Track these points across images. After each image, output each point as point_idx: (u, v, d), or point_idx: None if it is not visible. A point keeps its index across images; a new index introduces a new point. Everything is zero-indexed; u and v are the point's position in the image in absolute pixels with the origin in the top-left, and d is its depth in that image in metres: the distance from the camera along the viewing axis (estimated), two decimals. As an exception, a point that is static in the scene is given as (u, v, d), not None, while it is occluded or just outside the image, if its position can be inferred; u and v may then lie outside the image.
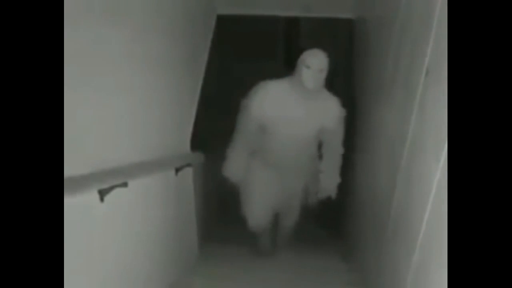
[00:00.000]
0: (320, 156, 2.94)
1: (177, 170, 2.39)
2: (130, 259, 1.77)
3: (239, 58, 4.26)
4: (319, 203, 3.06)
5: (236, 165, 2.90)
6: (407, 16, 1.98)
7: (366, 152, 2.70)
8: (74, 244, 1.24)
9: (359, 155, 2.94)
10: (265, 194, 3.00)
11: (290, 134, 2.76)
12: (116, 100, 1.65)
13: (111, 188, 1.50)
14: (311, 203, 3.13)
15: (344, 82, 4.03)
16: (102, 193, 1.46)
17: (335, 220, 3.52)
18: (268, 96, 2.72)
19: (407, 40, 1.94)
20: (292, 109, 2.70)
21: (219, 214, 3.52)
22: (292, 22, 4.62)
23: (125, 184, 1.60)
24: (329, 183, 2.95)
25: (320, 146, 2.92)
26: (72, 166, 1.16)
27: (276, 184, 2.98)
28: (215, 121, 2.90)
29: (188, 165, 2.60)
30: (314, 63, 2.61)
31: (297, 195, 3.11)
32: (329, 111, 2.76)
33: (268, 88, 2.75)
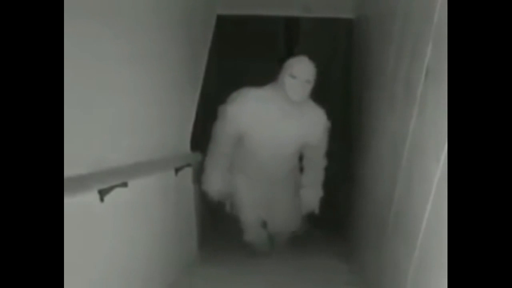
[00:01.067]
0: (301, 169, 2.82)
1: (177, 170, 2.39)
2: (129, 259, 1.77)
3: (239, 58, 4.26)
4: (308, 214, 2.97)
5: (214, 178, 2.72)
6: (407, 16, 1.98)
7: (366, 152, 2.70)
8: (74, 244, 1.24)
9: (359, 155, 2.94)
10: (254, 202, 2.86)
11: (269, 149, 2.60)
12: (116, 100, 1.65)
13: (111, 188, 1.50)
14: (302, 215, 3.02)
15: (344, 82, 4.03)
16: (102, 193, 1.46)
17: (335, 221, 3.51)
18: (248, 104, 2.53)
19: (407, 40, 1.93)
20: (272, 121, 2.52)
21: (218, 214, 3.51)
22: (292, 22, 4.62)
23: (125, 184, 1.60)
24: (310, 198, 2.83)
25: (301, 158, 2.80)
26: (72, 166, 1.16)
27: (262, 192, 2.84)
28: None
29: (188, 165, 2.60)
30: (301, 73, 2.42)
31: (284, 202, 2.91)
32: (313, 125, 2.60)
33: (248, 95, 2.56)
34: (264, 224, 2.98)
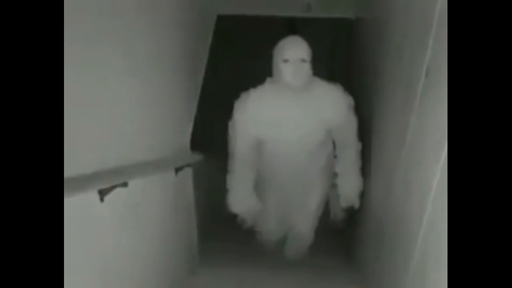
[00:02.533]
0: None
1: (177, 170, 2.39)
2: (129, 259, 1.77)
3: (239, 58, 4.26)
4: (341, 216, 2.67)
5: (241, 197, 2.48)
6: (407, 15, 1.98)
7: (367, 151, 2.70)
8: (74, 244, 1.24)
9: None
10: (276, 212, 2.63)
11: (294, 144, 2.35)
12: (116, 100, 1.65)
13: (111, 188, 1.50)
14: (334, 220, 2.73)
15: (344, 82, 4.03)
16: (102, 193, 1.45)
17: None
18: (254, 107, 2.33)
19: (407, 40, 1.93)
20: (286, 115, 2.28)
21: (218, 214, 3.52)
22: (292, 22, 4.62)
23: (125, 184, 1.60)
24: (349, 189, 2.48)
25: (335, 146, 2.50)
26: (72, 166, 1.16)
27: (287, 202, 2.59)
28: (215, 121, 2.88)
29: (188, 165, 2.60)
30: (292, 54, 2.18)
31: (312, 214, 2.64)
32: (332, 104, 2.31)
33: (250, 98, 2.37)
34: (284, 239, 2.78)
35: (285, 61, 2.20)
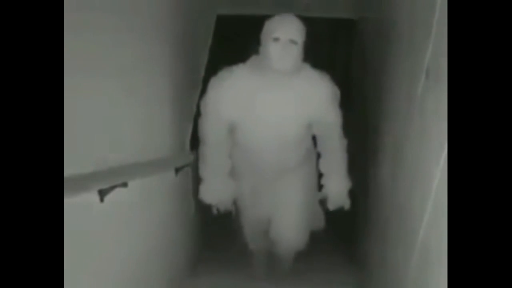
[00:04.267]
0: (319, 155, 2.30)
1: (177, 170, 2.39)
2: (129, 259, 1.77)
3: (239, 58, 4.26)
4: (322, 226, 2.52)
5: (214, 186, 2.26)
6: (407, 16, 1.98)
7: (368, 151, 2.70)
8: (74, 244, 1.24)
9: (360, 154, 2.93)
10: (256, 209, 2.41)
11: (269, 134, 2.12)
12: (116, 100, 1.65)
13: (111, 188, 1.50)
14: (319, 226, 2.55)
15: (344, 83, 4.03)
16: (102, 193, 1.45)
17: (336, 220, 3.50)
18: (229, 86, 2.08)
19: (407, 41, 1.93)
20: (264, 100, 2.04)
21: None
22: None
23: (125, 184, 1.60)
24: (336, 189, 2.26)
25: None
26: (72, 166, 1.16)
27: (270, 191, 2.36)
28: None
29: (188, 165, 2.60)
30: (283, 32, 1.95)
31: (295, 211, 2.37)
32: (316, 95, 2.08)
33: (227, 76, 2.12)
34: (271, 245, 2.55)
35: (275, 39, 1.96)
